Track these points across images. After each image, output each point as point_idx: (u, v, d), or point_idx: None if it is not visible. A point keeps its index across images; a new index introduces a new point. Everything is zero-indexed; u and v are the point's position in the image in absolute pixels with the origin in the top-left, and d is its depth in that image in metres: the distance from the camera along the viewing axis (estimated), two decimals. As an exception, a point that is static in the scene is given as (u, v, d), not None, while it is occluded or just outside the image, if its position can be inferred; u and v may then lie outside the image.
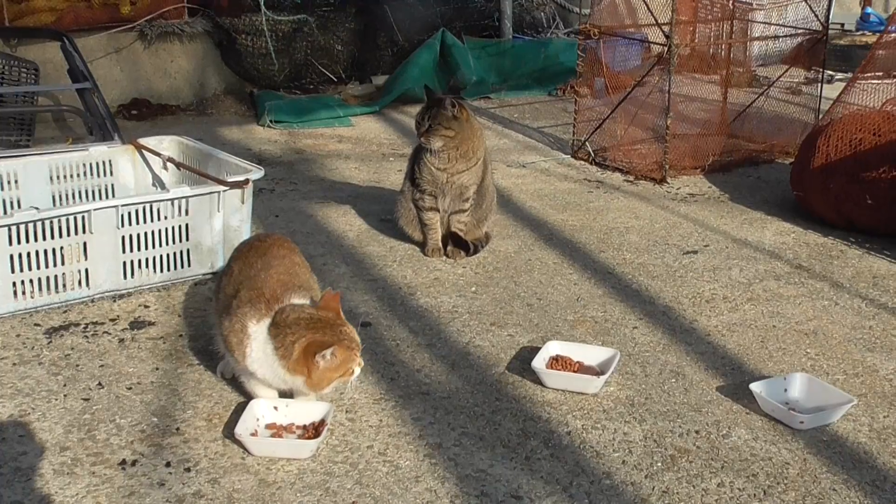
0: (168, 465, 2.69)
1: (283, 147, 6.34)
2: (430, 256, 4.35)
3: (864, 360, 3.47)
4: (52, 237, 3.58)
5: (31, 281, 3.59)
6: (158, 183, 4.44)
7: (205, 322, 3.51)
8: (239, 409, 2.93)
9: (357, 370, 2.79)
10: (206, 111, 7.36)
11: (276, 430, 2.83)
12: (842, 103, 5.19)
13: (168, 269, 3.89)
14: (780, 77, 6.60)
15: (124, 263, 3.77)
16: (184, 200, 3.84)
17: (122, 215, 3.69)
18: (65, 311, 3.65)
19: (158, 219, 3.80)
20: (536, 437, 2.90)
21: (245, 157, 4.47)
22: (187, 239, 3.89)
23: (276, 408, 2.88)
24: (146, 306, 3.73)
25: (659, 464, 2.78)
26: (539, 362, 3.24)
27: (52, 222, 3.56)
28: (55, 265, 3.62)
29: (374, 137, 6.70)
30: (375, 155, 6.20)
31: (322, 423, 2.82)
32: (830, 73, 8.11)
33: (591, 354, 3.34)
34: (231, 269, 3.03)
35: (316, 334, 2.71)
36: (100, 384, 3.11)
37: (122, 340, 3.44)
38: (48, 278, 3.63)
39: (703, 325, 3.73)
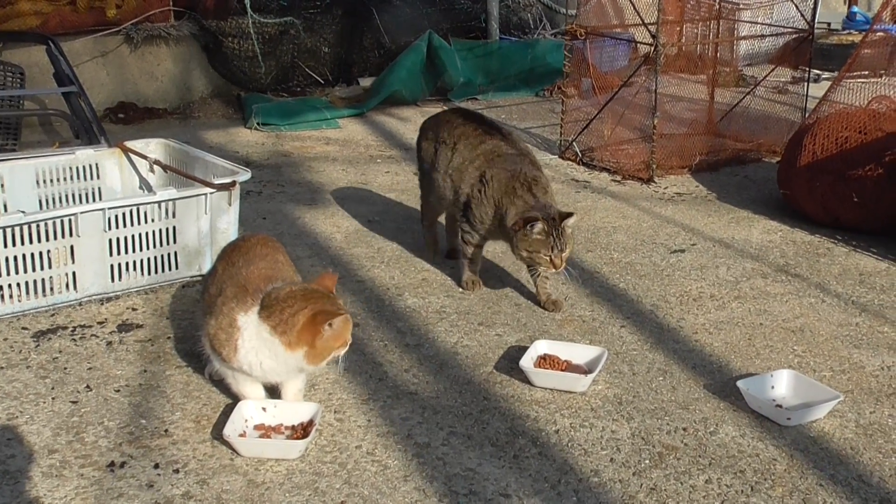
0: (156, 466, 2.70)
1: (270, 149, 6.34)
2: (471, 290, 4.00)
3: (851, 356, 3.49)
4: (39, 241, 3.58)
5: (18, 284, 3.60)
6: (145, 186, 4.45)
7: (192, 324, 3.52)
8: (227, 411, 2.94)
9: (349, 343, 2.83)
10: (192, 114, 7.36)
11: (265, 431, 2.83)
12: (828, 102, 5.22)
13: (155, 272, 3.89)
14: (766, 76, 6.63)
15: (111, 266, 3.77)
16: (171, 203, 3.84)
17: (109, 218, 3.69)
18: (52, 315, 3.65)
19: (145, 221, 3.81)
20: (525, 435, 2.91)
21: (232, 160, 4.49)
22: (174, 241, 3.90)
23: (264, 409, 2.88)
24: (134, 309, 3.73)
25: (647, 461, 2.80)
26: (527, 361, 3.25)
27: (38, 226, 3.56)
28: (42, 268, 3.62)
29: (362, 139, 6.71)
30: (363, 157, 6.21)
31: (310, 423, 2.83)
32: (817, 72, 8.16)
33: (579, 353, 3.35)
34: (215, 270, 3.05)
35: (318, 304, 2.73)
36: (88, 387, 3.12)
37: (109, 343, 3.44)
38: (35, 282, 3.63)
39: (690, 323, 3.75)
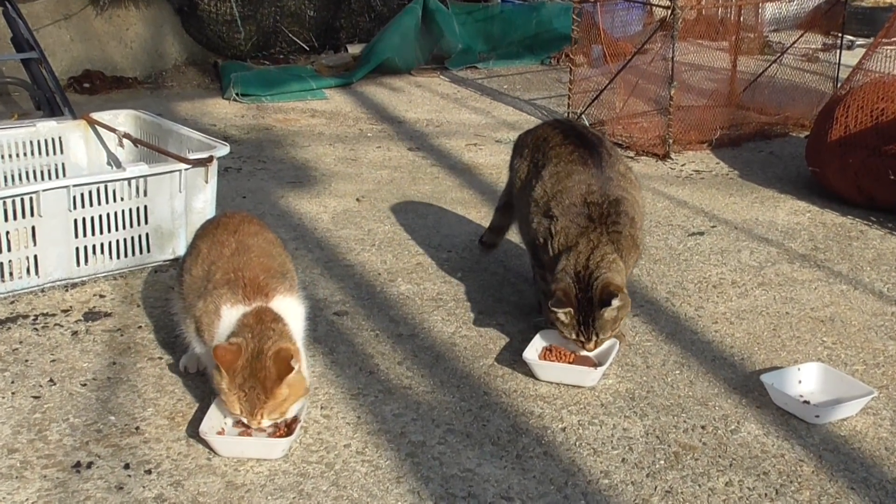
0: (127, 467, 2.70)
1: (250, 122, 6.34)
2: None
3: (886, 348, 3.50)
4: (-3, 221, 3.59)
5: (-26, 269, 3.61)
6: (114, 161, 4.45)
7: (166, 312, 3.52)
8: (204, 406, 2.95)
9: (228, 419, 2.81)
10: (165, 84, 7.36)
11: (245, 429, 2.84)
12: (862, 70, 5.21)
13: (125, 256, 3.90)
14: (794, 43, 6.63)
15: (77, 249, 3.77)
16: (142, 180, 3.84)
17: (74, 197, 3.68)
18: (12, 302, 3.66)
19: (114, 200, 3.80)
20: (528, 434, 2.93)
21: (209, 134, 4.49)
22: (146, 222, 3.90)
23: (244, 404, 2.89)
24: (101, 296, 3.74)
25: (662, 462, 2.81)
26: (531, 353, 3.26)
27: (-4, 204, 3.57)
28: (0, 252, 3.62)
29: (350, 112, 6.71)
30: (351, 131, 6.22)
31: (295, 420, 2.83)
32: (850, 38, 8.15)
33: (588, 344, 3.36)
34: (198, 249, 3.05)
35: (231, 346, 2.73)
36: (51, 380, 3.13)
37: (75, 333, 3.45)
38: (-7, 266, 3.64)
39: (710, 311, 3.76)
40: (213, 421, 2.81)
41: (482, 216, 4.67)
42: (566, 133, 3.66)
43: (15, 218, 3.61)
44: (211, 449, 2.77)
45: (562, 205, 3.38)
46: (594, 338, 3.20)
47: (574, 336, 3.21)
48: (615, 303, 3.12)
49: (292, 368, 2.68)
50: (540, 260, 3.49)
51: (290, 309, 2.91)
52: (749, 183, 5.33)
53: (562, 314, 3.17)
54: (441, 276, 4.02)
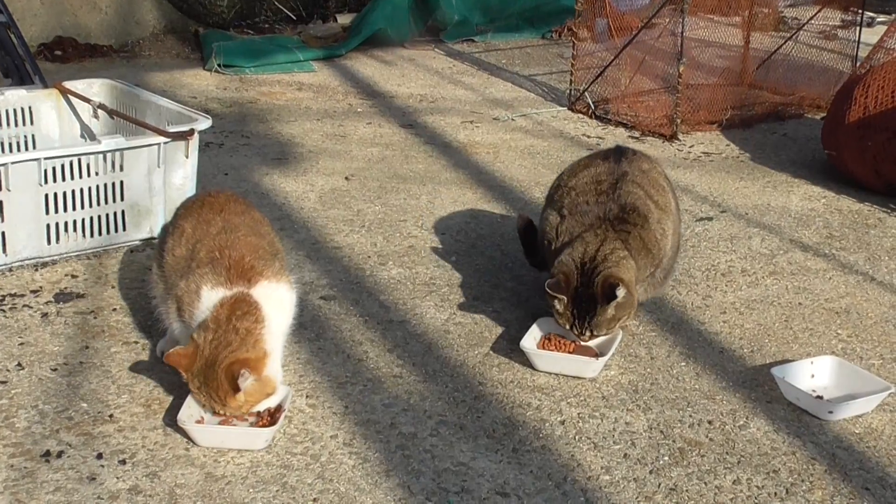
0: (100, 456, 2.71)
1: (233, 95, 6.34)
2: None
3: (903, 342, 3.53)
4: (-36, 195, 3.58)
5: (-62, 246, 3.61)
6: (87, 133, 4.44)
7: (142, 294, 3.52)
8: (182, 394, 2.94)
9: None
10: (142, 53, 7.35)
11: (226, 417, 2.84)
12: (883, 49, 5.22)
13: (99, 234, 3.89)
14: (811, 19, 6.64)
15: (48, 226, 3.76)
16: (118, 154, 3.84)
17: (45, 170, 3.67)
18: (-22, 282, 3.66)
19: (88, 175, 3.80)
20: (525, 426, 2.93)
21: (190, 106, 4.48)
22: (121, 198, 3.90)
23: (225, 392, 2.90)
24: (73, 276, 3.74)
25: (666, 458, 2.82)
26: (529, 342, 3.27)
27: (-37, 177, 3.56)
28: (-33, 227, 3.63)
29: (339, 86, 6.70)
30: (340, 106, 6.21)
31: (279, 409, 2.83)
32: (871, 14, 8.15)
33: (589, 333, 3.36)
34: (181, 229, 3.03)
35: (185, 351, 2.76)
36: (19, 365, 3.12)
37: (45, 315, 3.45)
38: (-42, 243, 3.64)
39: (717, 301, 3.77)
40: (192, 409, 2.81)
41: (478, 197, 4.68)
42: (609, 151, 3.65)
43: (-18, 192, 3.61)
44: (189, 438, 2.77)
45: (574, 202, 3.42)
46: (587, 333, 3.22)
47: (567, 327, 3.24)
48: (619, 293, 3.11)
49: (239, 388, 2.69)
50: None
51: (276, 295, 2.90)
52: (761, 166, 5.34)
53: (556, 301, 3.21)
54: (434, 259, 4.03)
